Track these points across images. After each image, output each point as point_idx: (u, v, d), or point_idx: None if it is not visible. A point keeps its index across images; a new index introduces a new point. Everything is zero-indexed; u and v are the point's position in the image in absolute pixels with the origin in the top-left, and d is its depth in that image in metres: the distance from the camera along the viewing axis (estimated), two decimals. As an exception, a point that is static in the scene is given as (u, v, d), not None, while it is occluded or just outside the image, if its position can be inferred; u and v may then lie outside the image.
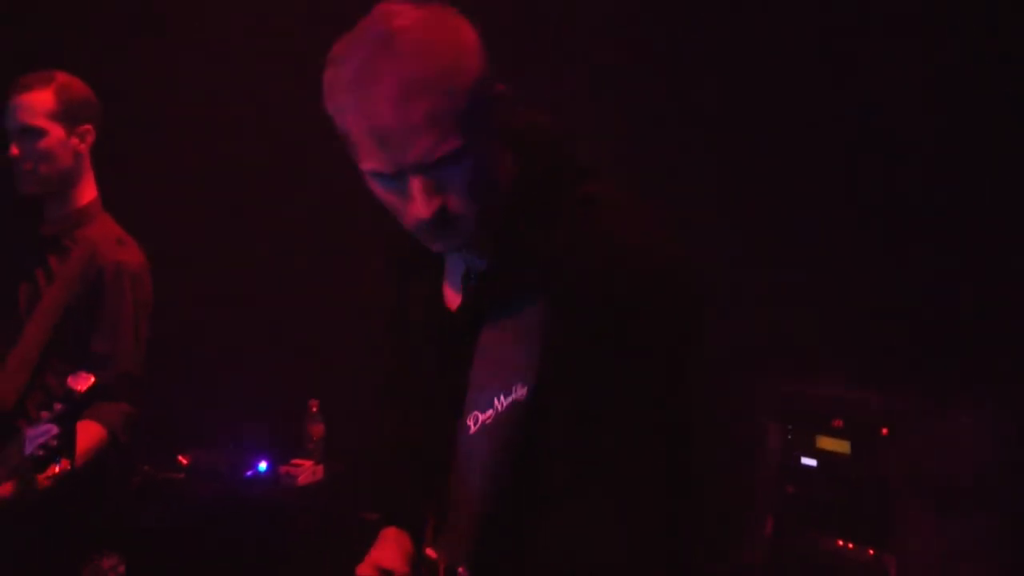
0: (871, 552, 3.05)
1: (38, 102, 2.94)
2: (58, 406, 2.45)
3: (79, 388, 2.46)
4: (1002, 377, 3.21)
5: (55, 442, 2.45)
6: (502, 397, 1.70)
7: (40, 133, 2.93)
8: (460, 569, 1.72)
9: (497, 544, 1.74)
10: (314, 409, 4.16)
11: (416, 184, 1.59)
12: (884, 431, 3.07)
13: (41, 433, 2.47)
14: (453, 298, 1.82)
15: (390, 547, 1.87)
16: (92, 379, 2.47)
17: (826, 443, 3.17)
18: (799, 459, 3.23)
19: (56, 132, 2.95)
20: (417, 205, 1.60)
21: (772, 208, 3.58)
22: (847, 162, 3.57)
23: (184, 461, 4.13)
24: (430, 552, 1.74)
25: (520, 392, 1.68)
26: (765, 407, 3.33)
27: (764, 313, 3.53)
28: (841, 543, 3.12)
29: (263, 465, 4.10)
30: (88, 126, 3.01)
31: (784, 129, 3.62)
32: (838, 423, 3.17)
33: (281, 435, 4.19)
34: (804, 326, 3.48)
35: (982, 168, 3.33)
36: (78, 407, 2.45)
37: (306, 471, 4.05)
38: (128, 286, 2.96)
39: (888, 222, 3.47)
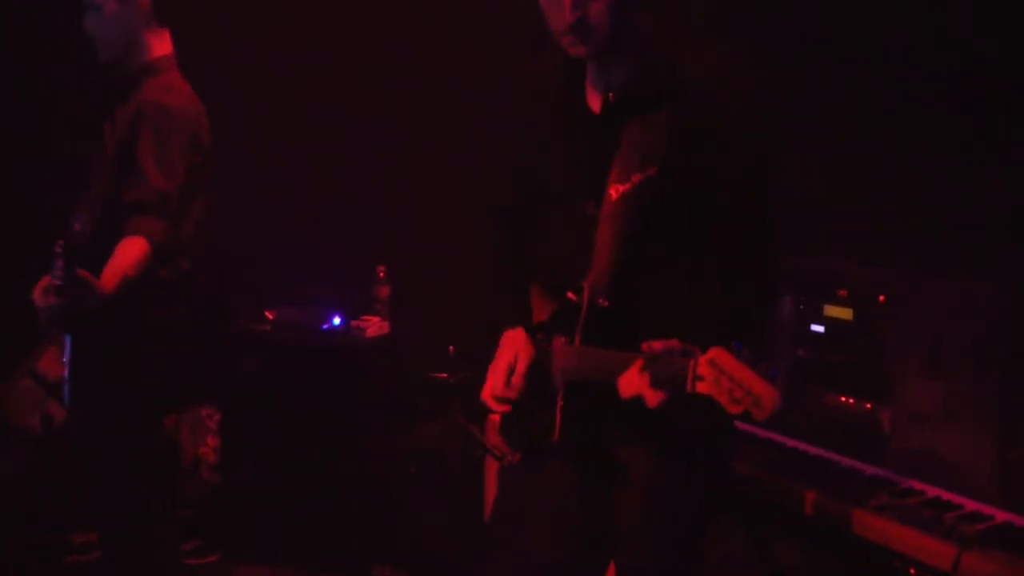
0: (868, 406, 3.22)
1: None
2: (61, 243, 2.80)
3: (75, 227, 2.87)
4: (993, 250, 3.34)
5: (59, 272, 2.80)
6: (637, 174, 2.27)
7: (97, 8, 3.24)
8: (601, 300, 2.30)
9: (630, 280, 2.32)
10: (381, 274, 4.52)
11: None
12: (882, 299, 3.21)
13: (56, 267, 2.83)
14: (596, 107, 2.37)
15: (519, 341, 2.44)
16: (79, 225, 2.86)
17: (832, 311, 3.34)
18: (809, 326, 3.41)
19: (110, 6, 3.23)
20: (565, 11, 2.18)
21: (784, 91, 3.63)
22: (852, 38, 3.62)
23: (270, 316, 4.51)
24: (571, 295, 2.34)
25: (651, 170, 2.26)
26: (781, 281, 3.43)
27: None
28: (843, 399, 3.29)
29: (337, 320, 4.46)
30: None
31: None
32: (843, 293, 3.31)
33: (353, 295, 4.53)
34: (816, 204, 3.64)
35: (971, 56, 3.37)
36: (73, 244, 2.79)
37: (374, 325, 4.42)
38: (160, 122, 3.17)
39: (897, 114, 3.53)
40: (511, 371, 2.40)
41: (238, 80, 4.44)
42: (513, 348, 2.44)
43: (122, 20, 3.27)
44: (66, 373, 3.17)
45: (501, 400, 2.42)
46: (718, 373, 2.00)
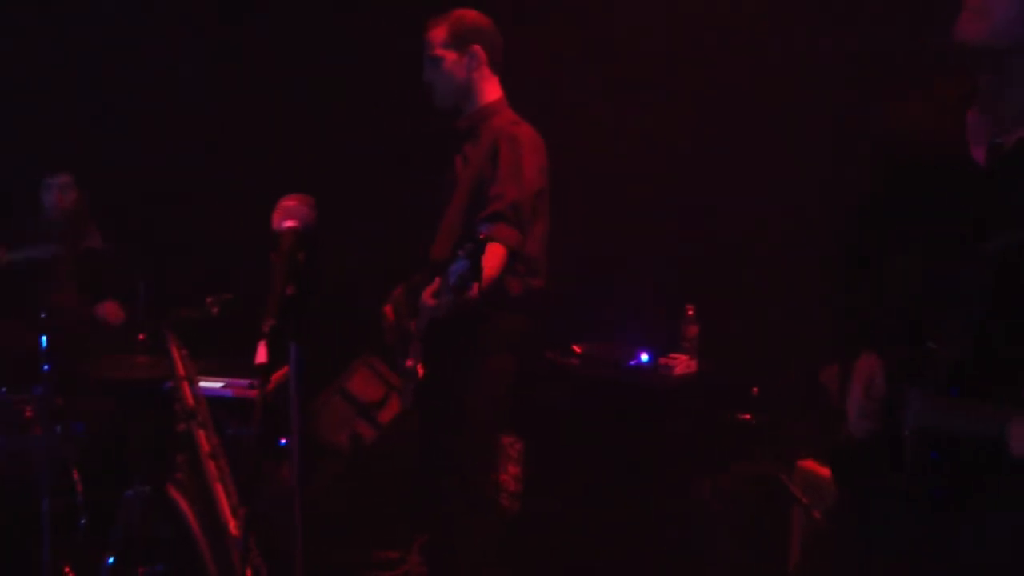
0: None
1: (435, 36, 3.59)
2: (469, 245, 2.96)
3: (480, 236, 3.05)
4: None
5: (468, 272, 2.93)
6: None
7: (438, 60, 3.59)
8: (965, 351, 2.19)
9: (999, 333, 2.17)
10: (690, 312, 4.52)
11: None
12: None
13: (460, 267, 2.95)
14: (978, 155, 2.24)
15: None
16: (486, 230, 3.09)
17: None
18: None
19: (450, 56, 3.57)
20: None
21: None
22: None
23: (578, 350, 4.58)
24: (933, 345, 2.22)
25: None
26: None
27: None
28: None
29: (645, 356, 4.49)
30: (476, 47, 3.58)
31: None
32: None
33: (662, 333, 4.55)
34: None
35: None
36: (480, 248, 2.92)
37: (681, 363, 4.43)
38: (515, 146, 3.47)
39: None
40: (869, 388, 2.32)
41: (557, 119, 4.52)
42: (869, 370, 2.35)
43: (460, 69, 3.59)
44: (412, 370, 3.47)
45: (862, 416, 2.33)
46: None
